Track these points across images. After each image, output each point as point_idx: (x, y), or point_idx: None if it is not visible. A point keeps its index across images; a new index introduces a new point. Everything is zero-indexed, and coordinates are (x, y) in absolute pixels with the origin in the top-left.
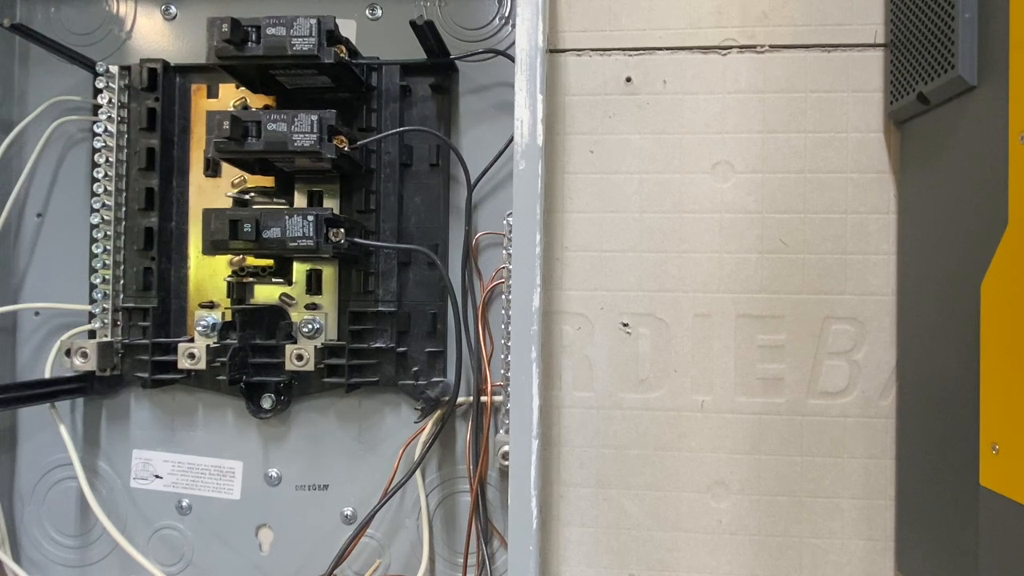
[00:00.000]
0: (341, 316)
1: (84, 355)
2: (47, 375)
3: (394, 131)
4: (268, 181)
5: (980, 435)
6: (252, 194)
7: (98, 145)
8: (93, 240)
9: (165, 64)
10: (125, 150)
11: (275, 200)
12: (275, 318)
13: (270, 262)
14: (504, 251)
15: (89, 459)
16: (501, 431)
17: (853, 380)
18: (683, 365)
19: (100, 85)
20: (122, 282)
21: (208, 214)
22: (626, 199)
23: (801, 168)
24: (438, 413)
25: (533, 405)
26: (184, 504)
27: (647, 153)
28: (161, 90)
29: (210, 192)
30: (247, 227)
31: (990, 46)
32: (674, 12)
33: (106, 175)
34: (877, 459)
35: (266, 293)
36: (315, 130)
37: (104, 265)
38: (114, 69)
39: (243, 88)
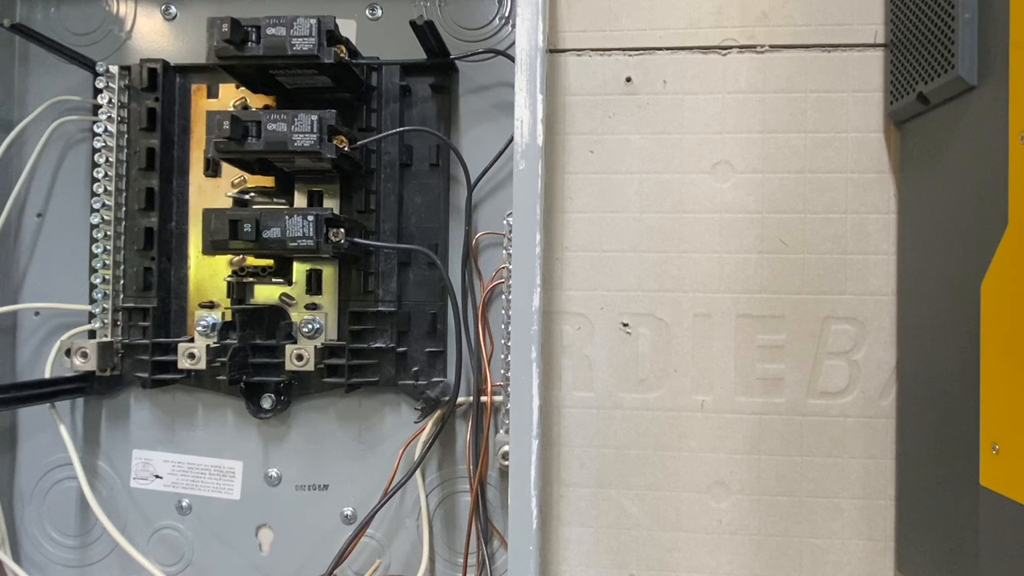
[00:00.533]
0: (341, 316)
1: (84, 355)
2: (47, 375)
3: (394, 131)
4: (268, 181)
5: (980, 435)
6: (252, 194)
7: (98, 145)
8: (93, 240)
9: (165, 64)
10: (125, 150)
11: (275, 200)
12: (275, 318)
13: (270, 262)
14: (504, 251)
15: (89, 459)
16: (501, 431)
17: (853, 380)
18: (683, 365)
19: (100, 85)
20: (122, 282)
21: (208, 214)
22: (626, 199)
23: (801, 168)
24: (438, 413)
25: (533, 405)
26: (184, 504)
27: (647, 153)
28: (161, 90)
29: (210, 192)
30: (247, 227)
31: (990, 46)
32: (674, 12)
33: (106, 175)
34: (877, 459)
35: (266, 293)
36: (315, 130)
37: (104, 265)
38: (114, 69)
39: (243, 88)
